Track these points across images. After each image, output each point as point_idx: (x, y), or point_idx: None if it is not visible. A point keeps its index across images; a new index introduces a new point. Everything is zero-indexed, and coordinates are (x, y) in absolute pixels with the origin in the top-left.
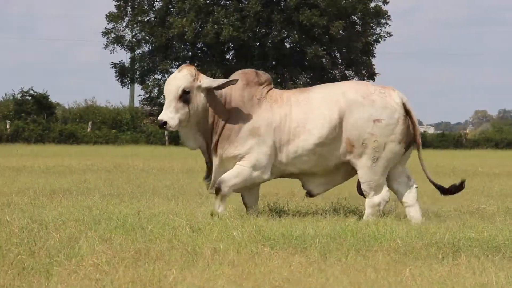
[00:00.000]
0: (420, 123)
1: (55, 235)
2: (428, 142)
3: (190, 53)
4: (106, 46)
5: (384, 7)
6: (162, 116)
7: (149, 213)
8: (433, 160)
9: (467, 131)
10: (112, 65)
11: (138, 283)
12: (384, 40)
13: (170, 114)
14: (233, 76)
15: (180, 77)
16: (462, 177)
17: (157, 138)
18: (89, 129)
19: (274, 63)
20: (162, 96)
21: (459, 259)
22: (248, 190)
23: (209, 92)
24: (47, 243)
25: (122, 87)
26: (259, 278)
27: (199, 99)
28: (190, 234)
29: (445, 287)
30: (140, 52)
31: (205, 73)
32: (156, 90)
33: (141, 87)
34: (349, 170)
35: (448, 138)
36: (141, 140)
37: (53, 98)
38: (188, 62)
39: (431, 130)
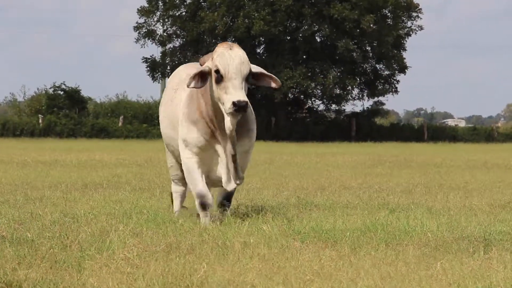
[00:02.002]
0: (451, 117)
1: (86, 229)
2: (460, 136)
3: None
4: (137, 40)
5: (415, 0)
6: (244, 97)
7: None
8: (465, 154)
9: (499, 125)
10: (143, 60)
11: (169, 276)
12: (415, 33)
13: (245, 96)
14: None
15: (245, 56)
16: (494, 170)
17: None
18: (120, 124)
19: (304, 57)
20: None
21: (490, 253)
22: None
23: None
24: (79, 237)
25: (153, 81)
26: (289, 272)
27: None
28: (221, 228)
29: (476, 281)
30: (171, 46)
31: None
32: None
33: None
34: None
35: (480, 132)
36: None
37: (84, 93)
38: None
39: (462, 124)
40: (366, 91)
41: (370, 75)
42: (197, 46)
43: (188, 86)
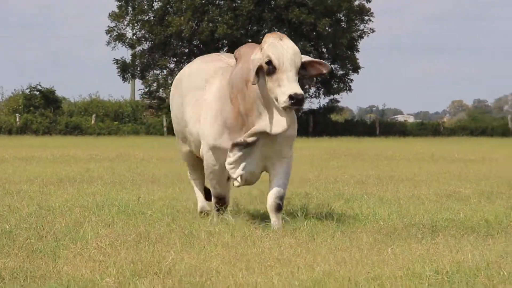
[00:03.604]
0: (401, 113)
1: (61, 220)
2: (408, 131)
3: (187, 49)
4: (109, 43)
5: (368, 5)
6: (300, 90)
7: (149, 199)
8: (413, 148)
9: (445, 120)
10: (114, 61)
11: (139, 264)
12: (368, 35)
13: (300, 89)
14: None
15: (296, 47)
16: (440, 162)
17: (156, 129)
18: (93, 122)
19: None
20: (161, 89)
21: (437, 239)
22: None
23: None
24: (54, 228)
25: (124, 82)
26: (252, 259)
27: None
28: (188, 218)
29: (424, 265)
30: (140, 49)
31: None
32: (155, 84)
33: (141, 81)
34: None
35: (427, 127)
36: (141, 131)
37: (59, 93)
38: (185, 58)
39: (411, 119)
40: (322, 89)
41: (326, 74)
42: (164, 49)
43: (254, 84)
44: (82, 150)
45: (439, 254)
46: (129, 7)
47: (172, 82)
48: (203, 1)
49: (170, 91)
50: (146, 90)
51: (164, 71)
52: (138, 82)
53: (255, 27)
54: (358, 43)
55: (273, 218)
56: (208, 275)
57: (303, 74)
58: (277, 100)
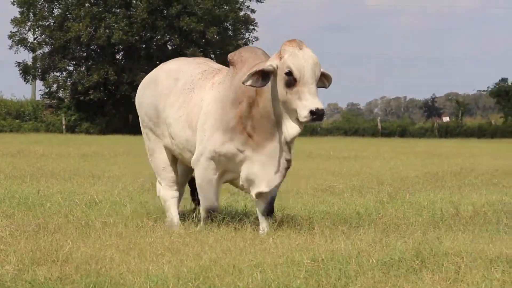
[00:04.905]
0: None
1: None
2: None
3: (85, 53)
4: (11, 47)
5: (252, 16)
6: (322, 104)
7: (48, 192)
8: (294, 146)
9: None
10: (16, 64)
11: (37, 252)
12: (252, 43)
13: (322, 103)
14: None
15: (316, 56)
16: (317, 160)
17: (55, 127)
18: None
19: (158, 63)
20: (60, 90)
21: (314, 229)
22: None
23: None
24: None
25: (26, 83)
26: (144, 248)
27: None
28: (84, 210)
29: (302, 253)
30: (41, 52)
31: (98, 71)
32: (55, 86)
33: (42, 83)
34: None
35: (306, 127)
36: (42, 128)
37: None
38: (84, 61)
39: None
40: None
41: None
42: (64, 52)
43: (244, 83)
44: None
45: (316, 244)
46: (31, 13)
47: (71, 83)
48: (100, 9)
49: (66, 91)
50: (47, 90)
51: (64, 73)
52: (39, 83)
53: (148, 34)
54: None
55: (264, 222)
56: (103, 263)
57: None
58: (296, 112)
